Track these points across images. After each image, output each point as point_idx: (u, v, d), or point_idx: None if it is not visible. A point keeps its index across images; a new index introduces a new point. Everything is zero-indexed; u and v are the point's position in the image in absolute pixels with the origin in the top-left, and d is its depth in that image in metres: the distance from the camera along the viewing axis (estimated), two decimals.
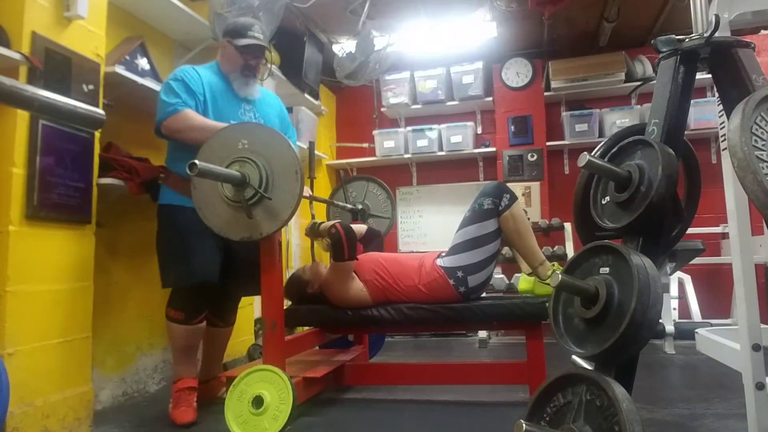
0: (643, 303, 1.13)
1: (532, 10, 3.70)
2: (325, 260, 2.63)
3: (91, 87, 2.10)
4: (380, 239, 2.84)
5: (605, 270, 1.25)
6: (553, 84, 4.49)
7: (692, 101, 1.51)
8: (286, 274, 3.11)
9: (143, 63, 2.57)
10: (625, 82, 4.37)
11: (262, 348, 2.13)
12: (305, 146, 3.12)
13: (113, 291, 2.51)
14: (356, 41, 3.81)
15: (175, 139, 2.22)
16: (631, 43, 4.49)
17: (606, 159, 1.39)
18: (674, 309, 3.69)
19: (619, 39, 4.37)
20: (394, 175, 4.91)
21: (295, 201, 1.95)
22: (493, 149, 4.69)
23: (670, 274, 3.49)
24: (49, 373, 1.90)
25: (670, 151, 1.28)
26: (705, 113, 4.16)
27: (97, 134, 2.14)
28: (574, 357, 1.56)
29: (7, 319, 1.76)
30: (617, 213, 1.34)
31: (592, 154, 1.36)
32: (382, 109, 5.00)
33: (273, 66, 3.56)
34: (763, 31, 4.08)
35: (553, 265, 2.30)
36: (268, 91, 2.55)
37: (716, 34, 1.31)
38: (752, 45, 1.33)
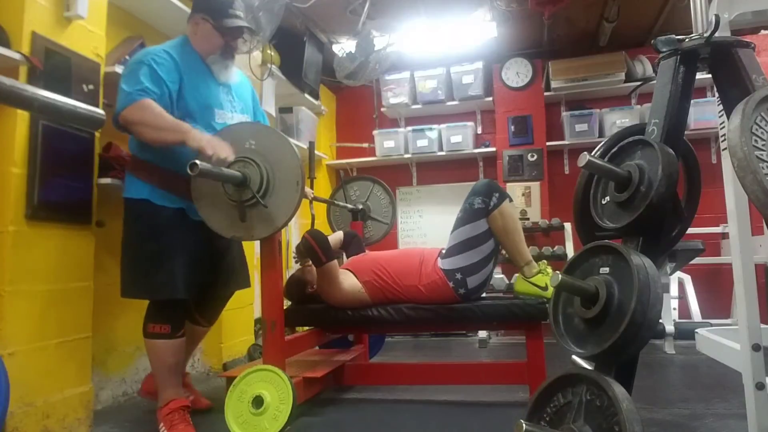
0: (643, 303, 1.13)
1: (532, 10, 3.71)
2: None
3: (91, 87, 2.10)
4: (358, 239, 2.84)
5: (605, 270, 1.25)
6: (553, 84, 4.49)
7: (692, 101, 1.50)
8: (286, 274, 3.12)
9: None
10: (625, 82, 4.37)
11: (262, 348, 2.12)
12: (305, 146, 3.13)
13: (113, 291, 2.49)
14: (356, 41, 3.81)
15: (130, 133, 1.97)
16: (631, 43, 4.49)
17: (606, 159, 1.39)
18: (674, 309, 3.69)
19: (619, 39, 4.38)
20: (394, 175, 4.92)
21: (291, 211, 1.91)
22: (493, 149, 4.69)
23: (670, 274, 3.49)
24: (49, 373, 1.90)
25: (670, 151, 1.28)
26: (705, 113, 4.17)
27: (97, 134, 2.14)
28: (574, 357, 1.57)
29: (7, 319, 1.76)
30: (617, 213, 1.34)
31: (592, 154, 1.36)
32: (382, 109, 5.00)
33: (273, 66, 3.58)
34: (763, 31, 4.08)
35: (542, 264, 2.30)
36: (239, 71, 2.29)
37: (716, 34, 1.31)
38: (752, 45, 1.33)
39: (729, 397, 2.28)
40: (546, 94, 4.60)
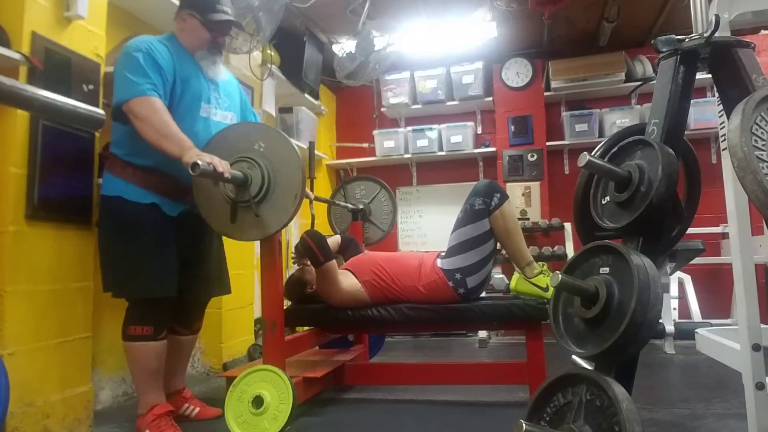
0: (643, 303, 1.13)
1: (532, 10, 3.71)
2: None
3: (91, 87, 2.10)
4: (356, 243, 2.85)
5: (605, 270, 1.25)
6: (553, 84, 4.49)
7: (692, 101, 1.50)
8: (286, 274, 3.12)
9: None
10: (625, 82, 4.38)
11: (262, 348, 2.12)
12: (305, 146, 3.12)
13: None
14: (356, 41, 3.81)
15: (131, 125, 1.89)
16: (631, 43, 4.49)
17: (606, 159, 1.39)
18: (674, 309, 3.69)
19: (619, 39, 4.38)
20: (394, 175, 4.92)
21: (285, 220, 1.91)
22: (493, 149, 4.69)
23: (670, 274, 3.49)
24: (49, 373, 1.90)
25: (670, 151, 1.27)
26: (705, 113, 4.17)
27: (97, 134, 2.14)
28: (574, 357, 1.56)
29: (7, 319, 1.76)
30: (617, 213, 1.34)
31: (592, 154, 1.35)
32: (382, 109, 5.00)
33: (273, 66, 3.58)
34: (763, 31, 4.08)
35: (542, 265, 2.30)
36: (226, 70, 2.26)
37: (716, 34, 1.31)
38: (752, 45, 1.33)
39: (729, 397, 2.28)
40: (546, 94, 4.60)
